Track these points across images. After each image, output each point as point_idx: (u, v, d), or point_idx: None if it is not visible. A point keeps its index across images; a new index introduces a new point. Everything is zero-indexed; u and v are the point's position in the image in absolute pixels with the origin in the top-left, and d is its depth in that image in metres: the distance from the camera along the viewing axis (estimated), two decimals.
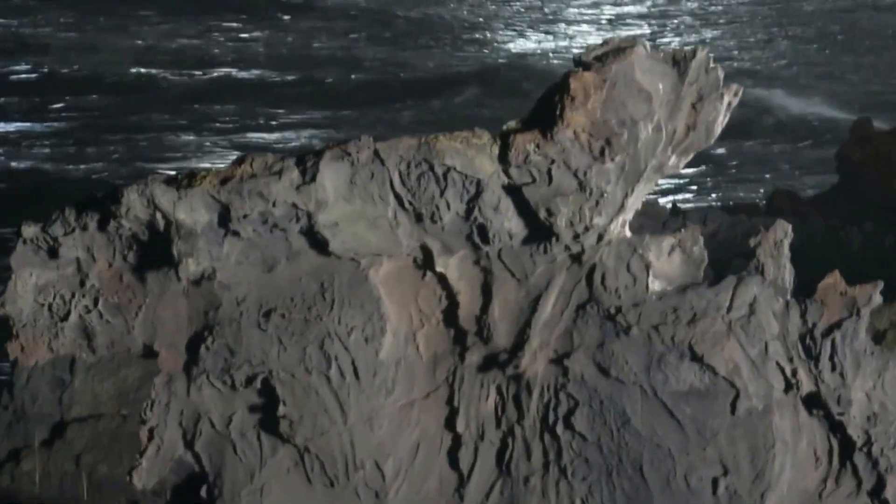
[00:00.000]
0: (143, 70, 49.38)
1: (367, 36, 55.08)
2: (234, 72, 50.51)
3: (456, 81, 47.99)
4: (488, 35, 57.25)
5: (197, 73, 49.23)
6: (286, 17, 58.43)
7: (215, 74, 49.83)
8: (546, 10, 60.69)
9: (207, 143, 40.90)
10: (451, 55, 52.47)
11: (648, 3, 63.17)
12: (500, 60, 53.85)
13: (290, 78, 49.59)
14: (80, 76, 47.70)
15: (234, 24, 57.01)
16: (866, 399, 10.68)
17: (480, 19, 59.19)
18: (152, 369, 9.59)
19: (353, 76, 49.52)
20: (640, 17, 61.41)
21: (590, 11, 61.81)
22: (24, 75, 47.41)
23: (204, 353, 9.54)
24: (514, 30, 59.77)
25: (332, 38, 54.26)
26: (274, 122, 42.82)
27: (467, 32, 57.07)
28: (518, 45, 56.83)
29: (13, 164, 38.72)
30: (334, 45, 53.99)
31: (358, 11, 57.95)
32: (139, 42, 53.05)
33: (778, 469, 10.57)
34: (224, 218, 9.28)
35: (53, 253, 9.50)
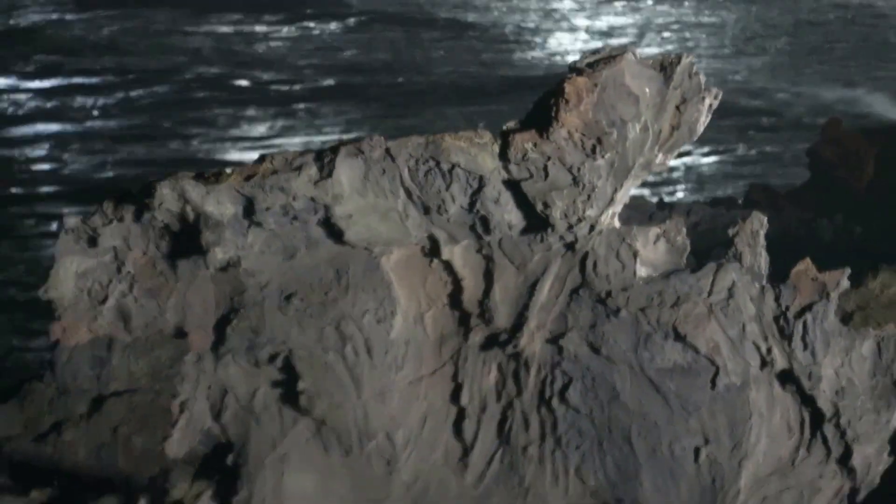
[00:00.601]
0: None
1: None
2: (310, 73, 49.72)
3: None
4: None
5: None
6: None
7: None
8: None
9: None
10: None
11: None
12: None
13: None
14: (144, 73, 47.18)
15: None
16: (835, 375, 10.76)
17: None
18: (183, 349, 9.63)
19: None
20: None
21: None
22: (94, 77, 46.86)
23: (230, 334, 9.60)
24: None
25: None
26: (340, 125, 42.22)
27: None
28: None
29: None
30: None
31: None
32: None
33: (754, 439, 10.65)
34: (248, 210, 9.34)
35: (93, 242, 9.57)
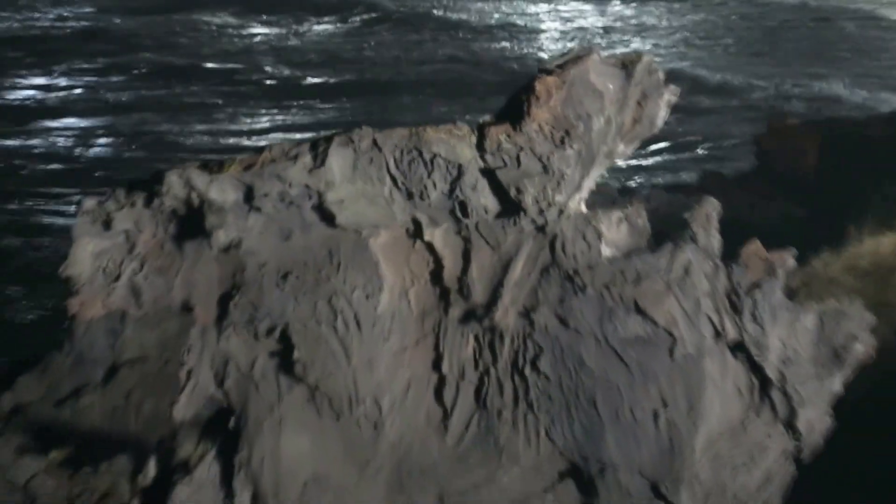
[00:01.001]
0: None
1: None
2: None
3: None
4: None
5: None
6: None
7: None
8: None
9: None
10: None
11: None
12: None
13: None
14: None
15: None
16: (781, 345, 11.11)
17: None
18: (189, 322, 9.97)
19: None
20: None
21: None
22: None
23: (231, 309, 9.95)
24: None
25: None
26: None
27: None
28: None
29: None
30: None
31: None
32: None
33: (708, 403, 10.97)
34: (248, 197, 9.69)
35: (107, 225, 9.90)
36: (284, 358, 10.52)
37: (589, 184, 10.26)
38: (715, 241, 10.65)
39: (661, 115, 10.36)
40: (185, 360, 10.55)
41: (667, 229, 11.72)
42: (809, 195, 23.06)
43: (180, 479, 10.47)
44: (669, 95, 10.37)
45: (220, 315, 10.44)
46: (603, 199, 11.29)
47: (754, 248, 10.85)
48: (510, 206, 9.88)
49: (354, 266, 10.18)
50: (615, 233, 10.44)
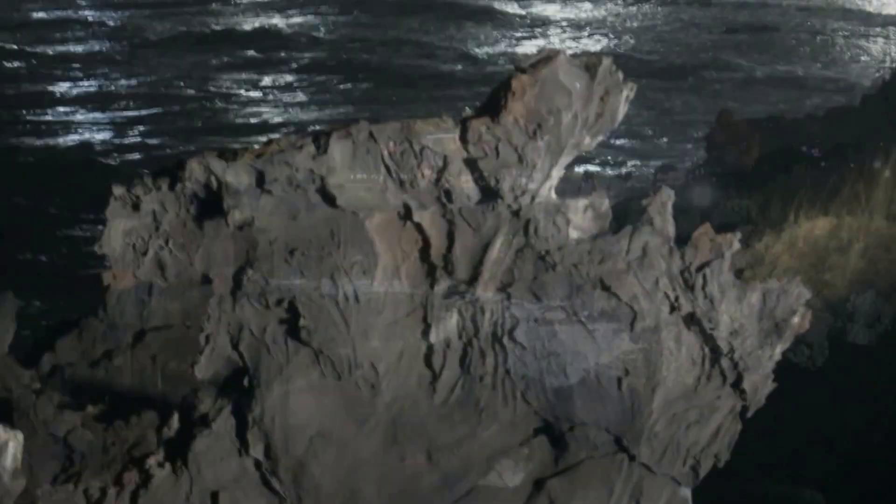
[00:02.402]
0: None
1: None
2: None
3: None
4: None
5: None
6: None
7: None
8: None
9: None
10: None
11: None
12: None
13: None
14: None
15: None
16: (729, 319, 11.25)
17: None
18: (208, 292, 10.14)
19: None
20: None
21: None
22: None
23: (246, 281, 10.11)
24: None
25: None
26: None
27: None
28: None
29: None
30: None
31: None
32: None
33: (665, 370, 11.13)
34: (260, 180, 9.86)
35: (136, 207, 10.09)
36: (292, 325, 10.67)
37: (558, 173, 10.40)
38: (670, 226, 10.79)
39: (622, 109, 10.52)
40: (204, 326, 10.70)
41: (627, 215, 11.85)
42: (753, 184, 23.37)
43: (200, 432, 10.62)
44: (628, 91, 10.53)
45: (235, 286, 10.61)
46: (570, 186, 11.39)
47: (704, 231, 10.96)
48: (489, 193, 10.04)
49: (353, 244, 10.34)
50: (581, 218, 10.59)
